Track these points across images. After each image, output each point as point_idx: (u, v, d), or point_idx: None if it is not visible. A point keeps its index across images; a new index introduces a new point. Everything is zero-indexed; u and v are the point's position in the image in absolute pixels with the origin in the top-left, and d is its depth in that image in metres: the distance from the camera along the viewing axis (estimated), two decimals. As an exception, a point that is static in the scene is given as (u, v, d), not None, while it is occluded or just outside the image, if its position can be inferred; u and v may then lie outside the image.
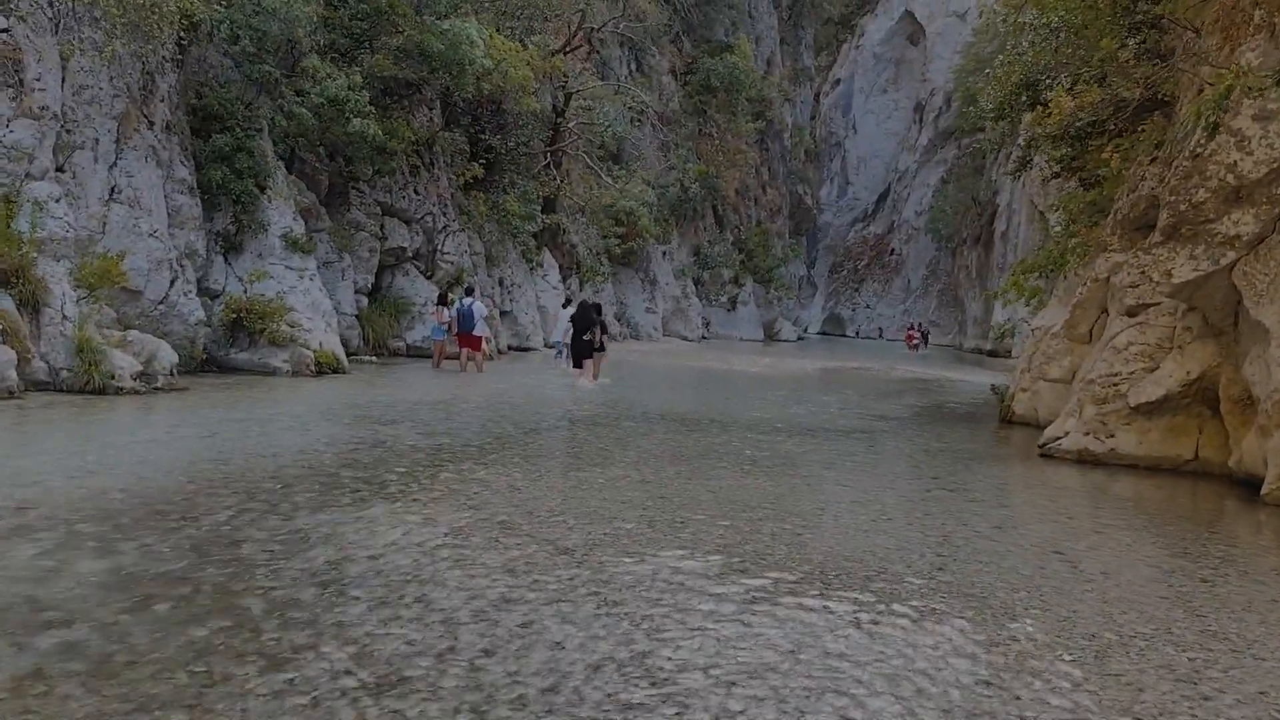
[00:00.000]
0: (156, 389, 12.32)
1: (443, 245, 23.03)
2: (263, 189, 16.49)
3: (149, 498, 6.75)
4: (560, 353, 22.74)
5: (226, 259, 16.34)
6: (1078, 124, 15.80)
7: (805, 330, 71.91)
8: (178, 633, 4.30)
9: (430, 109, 23.88)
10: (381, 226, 21.75)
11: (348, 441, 9.68)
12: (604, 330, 19.20)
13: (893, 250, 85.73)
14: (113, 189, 13.80)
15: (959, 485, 9.60)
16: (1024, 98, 18.09)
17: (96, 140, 13.64)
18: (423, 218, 22.73)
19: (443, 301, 19.81)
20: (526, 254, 28.19)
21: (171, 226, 14.98)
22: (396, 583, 5.20)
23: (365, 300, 20.97)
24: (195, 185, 15.57)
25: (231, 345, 15.77)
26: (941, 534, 7.18)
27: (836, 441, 12.38)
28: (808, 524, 7.24)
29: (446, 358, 19.78)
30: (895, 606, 5.28)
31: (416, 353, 21.80)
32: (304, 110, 16.65)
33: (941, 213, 71.22)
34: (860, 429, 13.94)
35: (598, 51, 37.11)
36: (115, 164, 13.87)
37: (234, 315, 15.50)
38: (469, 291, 20.48)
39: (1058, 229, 22.96)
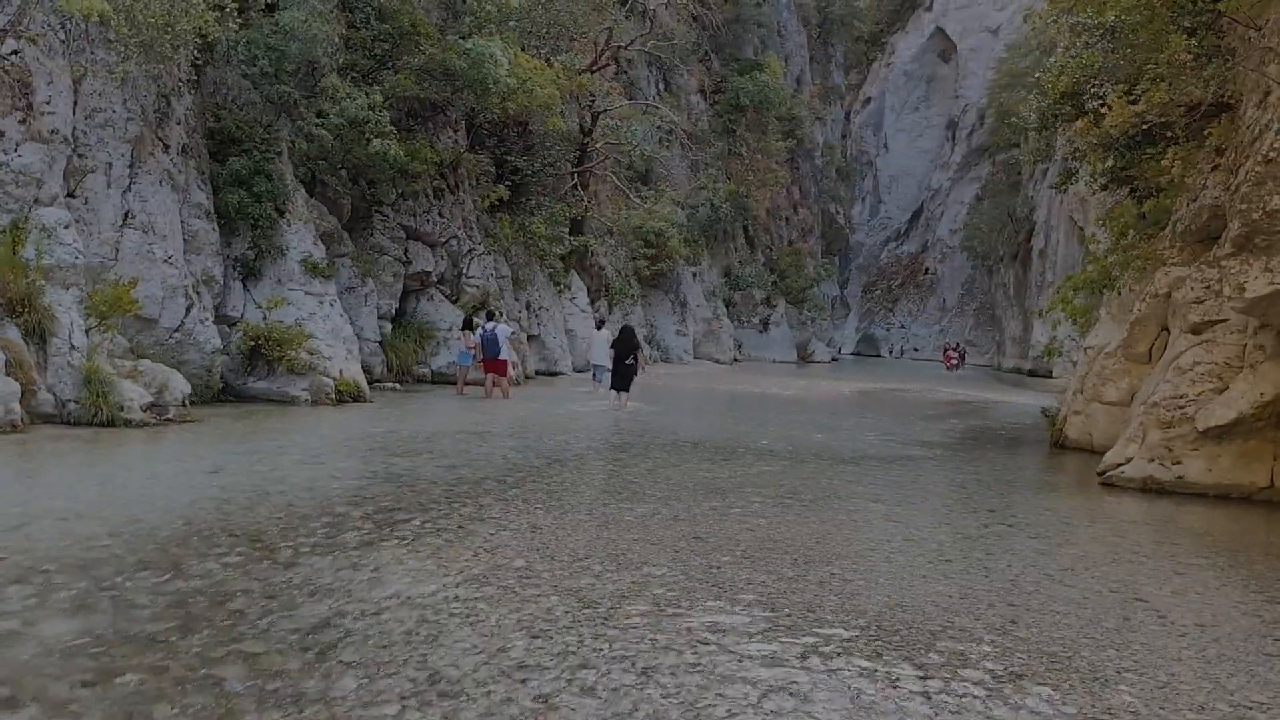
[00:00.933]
0: (168, 420, 11.82)
1: (468, 269, 22.54)
2: (282, 213, 16.06)
3: (138, 544, 6.19)
4: (597, 376, 22.27)
5: (245, 285, 15.91)
6: (1132, 131, 15.07)
7: (839, 351, 70.97)
8: (140, 717, 3.71)
9: (455, 131, 23.47)
10: (405, 250, 21.30)
11: (360, 476, 9.10)
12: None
13: (927, 269, 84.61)
14: (126, 214, 13.39)
15: (1018, 519, 8.86)
16: (1068, 107, 17.35)
17: (109, 164, 13.25)
18: (447, 241, 22.27)
19: (468, 326, 19.27)
20: (554, 276, 27.66)
21: (188, 252, 14.56)
22: (397, 644, 4.59)
23: (388, 326, 20.49)
24: (212, 210, 15.17)
25: (250, 374, 15.30)
26: (1008, 578, 6.46)
27: (880, 471, 11.65)
28: (858, 568, 6.55)
29: (469, 383, 19.24)
30: (967, 672, 4.58)
31: (441, 379, 21.28)
32: (324, 132, 16.23)
33: (977, 230, 70.10)
34: (904, 456, 13.21)
35: (625, 71, 36.72)
36: (129, 188, 13.47)
37: (252, 343, 15.04)
38: (490, 316, 19.96)
39: (1103, 244, 22.14)
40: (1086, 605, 5.88)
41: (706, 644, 4.79)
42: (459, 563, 6.11)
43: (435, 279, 22.16)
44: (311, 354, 15.37)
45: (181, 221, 14.45)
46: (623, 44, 31.01)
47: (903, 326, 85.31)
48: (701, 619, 5.18)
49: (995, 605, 5.76)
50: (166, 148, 14.11)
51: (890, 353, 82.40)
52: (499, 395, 18.57)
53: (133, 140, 13.53)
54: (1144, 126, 14.62)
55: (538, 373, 25.76)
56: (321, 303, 16.22)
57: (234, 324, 15.49)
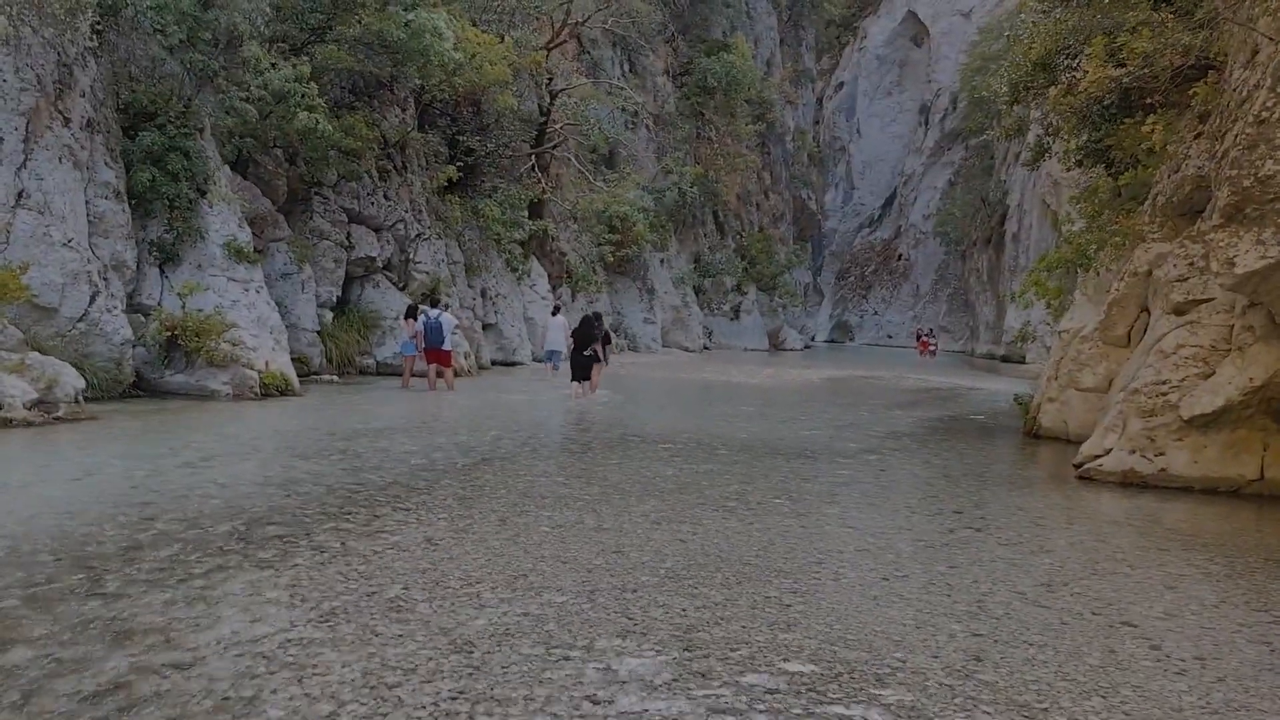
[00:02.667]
0: (58, 419, 10.72)
1: (416, 254, 21.43)
2: (203, 193, 14.91)
3: (-68, 573, 5.14)
4: (554, 364, 21.52)
5: (162, 271, 14.76)
6: (1108, 99, 14.21)
7: (813, 339, 70.20)
8: None
9: (403, 109, 22.34)
10: (348, 235, 20.16)
11: (250, 483, 8.06)
12: (607, 340, 18.90)
13: (900, 255, 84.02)
14: (20, 194, 12.24)
15: (987, 521, 7.94)
16: (1041, 78, 16.48)
17: (0, 139, 12.09)
18: (394, 225, 21.14)
19: (411, 314, 18.15)
20: (511, 262, 26.54)
21: (94, 235, 13.42)
22: (196, 716, 3.58)
23: (329, 315, 19.37)
24: (124, 190, 14.02)
25: (166, 366, 14.19)
26: (974, 597, 5.52)
27: (841, 466, 10.72)
28: (800, 588, 5.59)
29: (416, 375, 18.15)
30: (919, 737, 3.63)
31: (387, 371, 20.20)
32: (247, 106, 15.05)
33: (950, 215, 69.49)
34: (869, 449, 12.28)
35: (588, 52, 35.61)
36: (23, 165, 12.32)
37: (168, 333, 13.92)
38: (436, 304, 18.89)
39: (1077, 224, 21.33)
40: (1065, 634, 4.94)
41: (595, 702, 3.81)
42: (319, 592, 5.10)
43: (381, 265, 21.05)
44: (234, 345, 14.27)
45: (86, 202, 13.31)
46: (581, 19, 29.86)
47: (876, 313, 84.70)
48: (597, 665, 4.21)
49: (957, 636, 4.82)
50: (67, 121, 12.95)
51: (852, 339, 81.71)
52: (444, 387, 17.52)
53: (27, 113, 12.37)
54: (1122, 90, 13.79)
55: (494, 363, 24.70)
56: (247, 289, 15.09)
57: (150, 313, 14.36)
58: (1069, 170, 18.36)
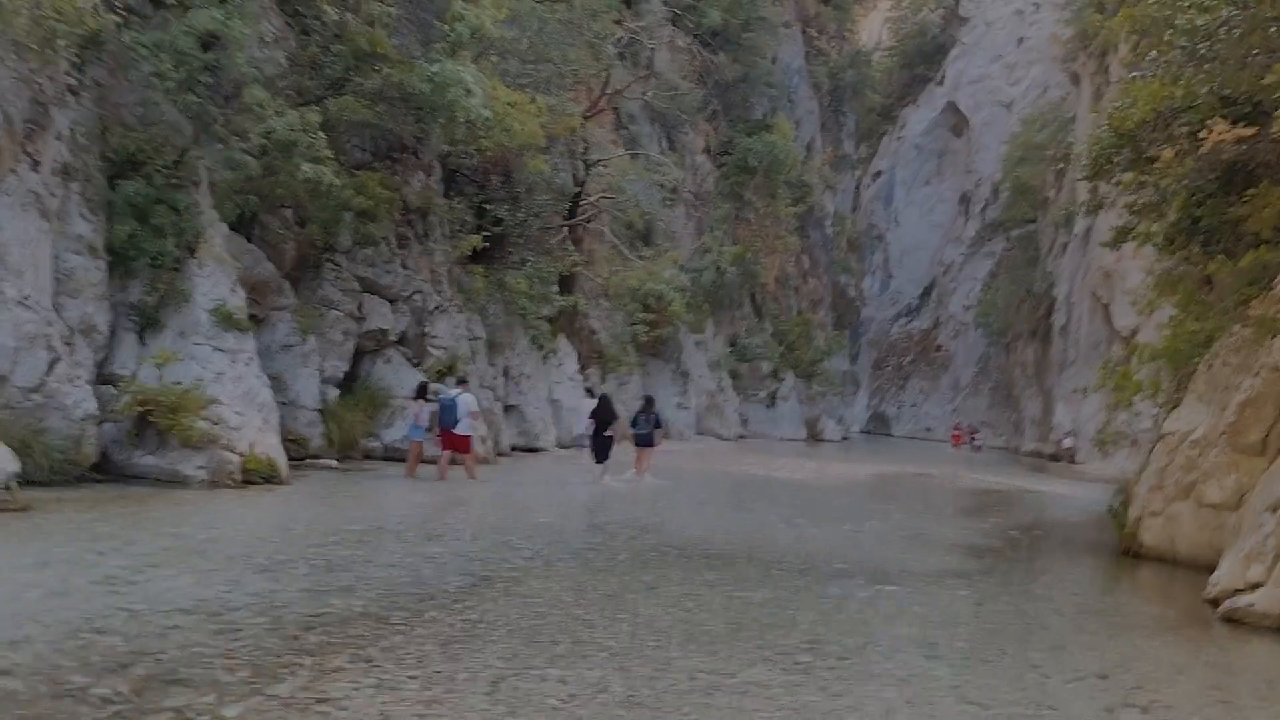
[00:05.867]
0: (-18, 508, 8.92)
1: (433, 327, 19.73)
2: (192, 251, 13.32)
3: None
4: (585, 445, 20.08)
5: (141, 338, 13.07)
6: (1214, 171, 12.46)
7: (850, 429, 67.89)
8: None
9: (427, 174, 20.90)
10: (359, 305, 18.49)
11: (174, 609, 6.17)
12: (658, 424, 18.82)
13: (939, 346, 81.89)
14: (-29, 243, 10.66)
15: (1146, 691, 5.93)
16: (1128, 151, 14.76)
17: (-50, 181, 10.57)
18: (410, 296, 19.50)
19: (421, 394, 16.29)
20: (538, 340, 24.78)
21: (60, 294, 11.81)
22: None
23: (334, 392, 17.60)
24: (101, 246, 12.45)
25: (136, 447, 12.42)
26: None
27: (925, 594, 8.67)
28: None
29: (423, 462, 16.16)
30: None
31: (395, 455, 18.31)
32: (247, 157, 13.54)
33: (992, 306, 67.62)
34: (951, 570, 10.20)
35: (626, 127, 34.39)
36: (-22, 212, 10.76)
37: (140, 408, 12.18)
38: (461, 381, 17.16)
39: (1157, 310, 19.40)
40: None
41: None
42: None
43: (394, 338, 19.36)
44: (216, 423, 12.49)
45: (55, 257, 11.72)
46: (620, 88, 28.60)
47: (914, 405, 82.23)
48: None
49: None
50: (36, 165, 11.42)
51: (889, 432, 79.25)
52: (464, 476, 15.64)
53: (-13, 153, 10.85)
54: (1227, 165, 12.09)
55: (514, 448, 22.76)
56: (235, 361, 13.36)
57: (123, 385, 12.63)
58: (1158, 252, 16.46)
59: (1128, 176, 15.52)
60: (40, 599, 6.17)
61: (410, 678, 5.10)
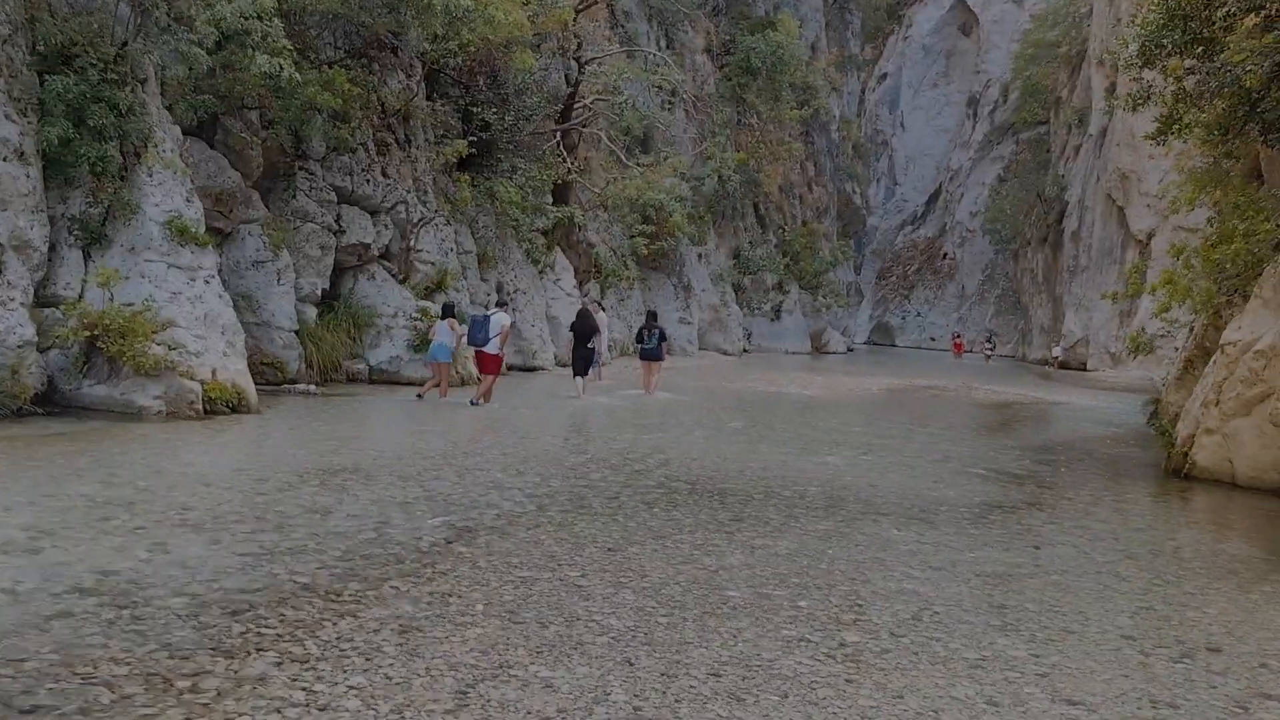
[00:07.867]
0: (-115, 453, 7.75)
1: (419, 241, 18.37)
2: (139, 157, 11.93)
3: None
4: (596, 372, 19.31)
5: (88, 255, 11.79)
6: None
7: (853, 340, 66.73)
8: None
9: (408, 74, 19.33)
10: (338, 217, 17.13)
11: (77, 586, 5.01)
12: (663, 338, 18.62)
13: (945, 254, 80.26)
14: (-125, 148, 9.29)
15: (1273, 670, 4.78)
16: (1179, 33, 13.23)
17: None
18: (393, 207, 18.10)
19: (449, 313, 15.26)
20: (533, 254, 23.42)
21: (-15, 207, 10.48)
22: None
23: (313, 311, 16.35)
24: (32, 151, 11.06)
25: (85, 375, 11.24)
26: None
27: (970, 536, 7.54)
28: None
29: (410, 383, 15.00)
30: None
31: (382, 378, 17.15)
32: (197, 50, 12.03)
33: (1000, 212, 65.84)
34: (993, 503, 9.08)
35: (621, 25, 32.44)
36: (-118, 112, 9.37)
37: (88, 333, 10.96)
38: (502, 304, 16.69)
39: (1195, 213, 18.07)
40: None
41: None
42: None
43: (377, 253, 18.02)
44: (172, 348, 11.28)
45: (-23, 164, 10.36)
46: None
47: (919, 315, 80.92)
48: None
49: None
50: (-50, 59, 9.99)
51: (893, 342, 78.24)
52: (480, 398, 14.66)
53: (-112, 43, 9.41)
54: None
55: (511, 368, 21.58)
56: (192, 280, 12.07)
57: (68, 307, 11.38)
58: (1208, 143, 15.00)
59: (1173, 62, 14.10)
60: (-92, 576, 5.03)
61: (353, 680, 3.96)
